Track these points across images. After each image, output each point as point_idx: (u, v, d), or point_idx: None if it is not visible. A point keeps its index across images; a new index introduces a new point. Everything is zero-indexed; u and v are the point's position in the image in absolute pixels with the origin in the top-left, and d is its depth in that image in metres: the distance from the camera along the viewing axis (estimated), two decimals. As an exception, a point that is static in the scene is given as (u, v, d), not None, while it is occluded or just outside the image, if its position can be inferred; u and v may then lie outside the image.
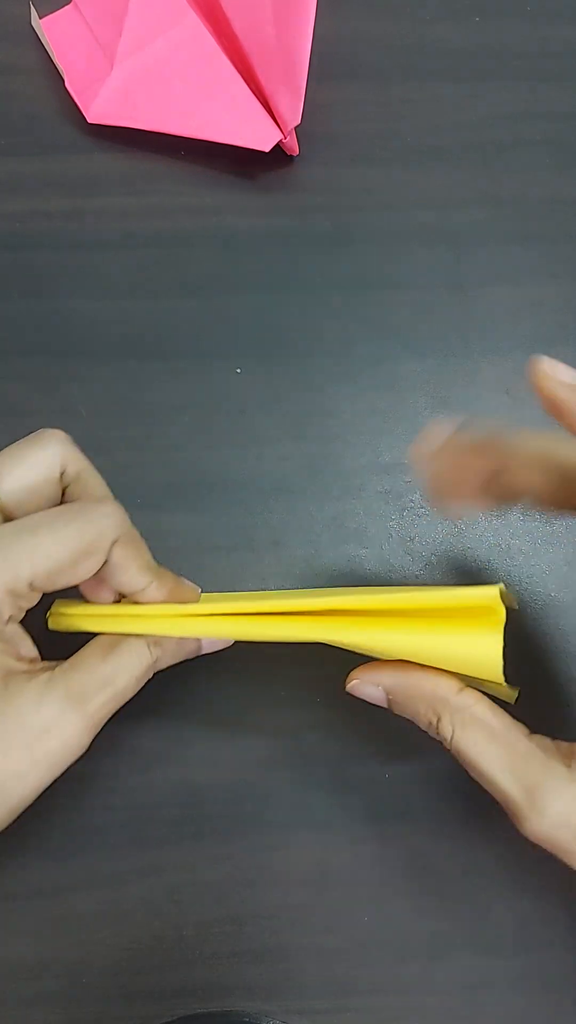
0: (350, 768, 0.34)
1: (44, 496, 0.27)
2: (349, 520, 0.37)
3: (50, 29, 0.42)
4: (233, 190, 0.41)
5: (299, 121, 0.40)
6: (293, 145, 0.41)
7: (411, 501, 0.37)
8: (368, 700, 0.27)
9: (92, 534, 0.25)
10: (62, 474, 0.28)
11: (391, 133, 0.42)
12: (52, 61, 0.42)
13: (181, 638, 0.28)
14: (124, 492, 0.37)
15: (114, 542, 0.26)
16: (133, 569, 0.27)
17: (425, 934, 0.32)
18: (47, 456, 0.27)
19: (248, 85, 0.40)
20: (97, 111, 0.41)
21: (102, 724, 0.26)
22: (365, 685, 0.27)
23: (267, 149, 0.40)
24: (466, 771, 0.26)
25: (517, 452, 0.27)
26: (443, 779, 0.33)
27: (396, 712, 0.27)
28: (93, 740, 0.26)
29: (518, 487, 0.27)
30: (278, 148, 0.41)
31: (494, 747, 0.25)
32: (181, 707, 0.34)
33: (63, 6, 0.43)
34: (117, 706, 0.26)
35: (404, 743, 0.34)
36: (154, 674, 0.28)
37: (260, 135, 0.40)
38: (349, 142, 0.42)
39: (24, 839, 0.33)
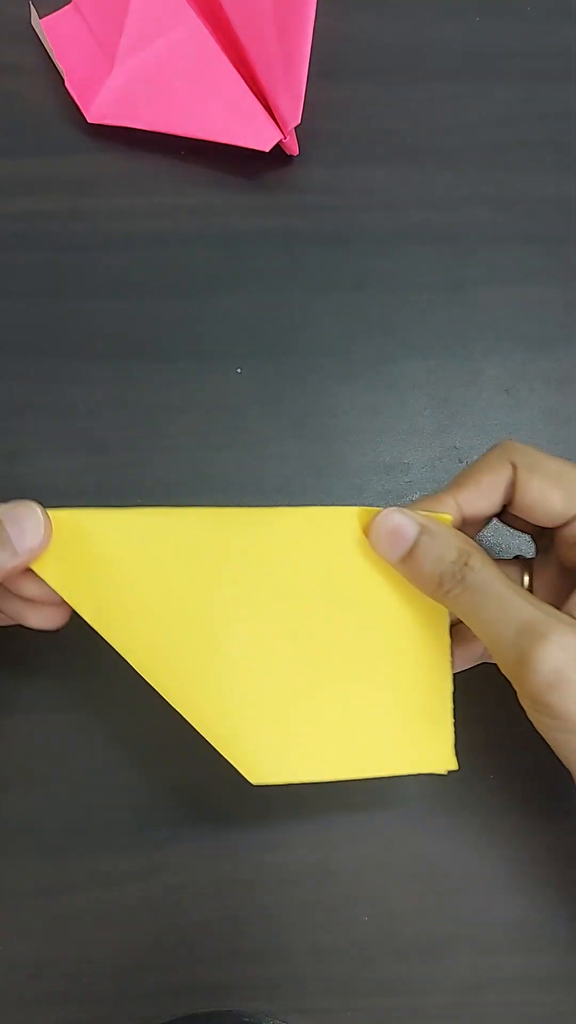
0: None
1: None
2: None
3: (50, 29, 0.42)
4: (233, 190, 0.41)
5: (299, 121, 0.40)
6: (293, 145, 0.41)
7: (411, 501, 0.37)
8: (390, 545, 0.28)
9: None
10: None
11: (391, 133, 0.42)
12: (52, 61, 0.42)
13: None
14: (124, 492, 0.37)
15: None
16: None
17: (425, 934, 0.33)
18: None
19: (248, 85, 0.40)
20: (97, 111, 0.41)
21: None
22: (396, 515, 0.27)
23: (267, 149, 0.40)
24: (469, 621, 0.27)
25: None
26: (443, 779, 0.33)
27: (412, 562, 0.27)
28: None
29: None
30: (278, 148, 0.41)
31: (512, 591, 0.25)
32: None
33: (63, 6, 0.43)
34: None
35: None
36: None
37: (260, 135, 0.40)
38: (349, 142, 0.42)
39: (24, 839, 0.33)
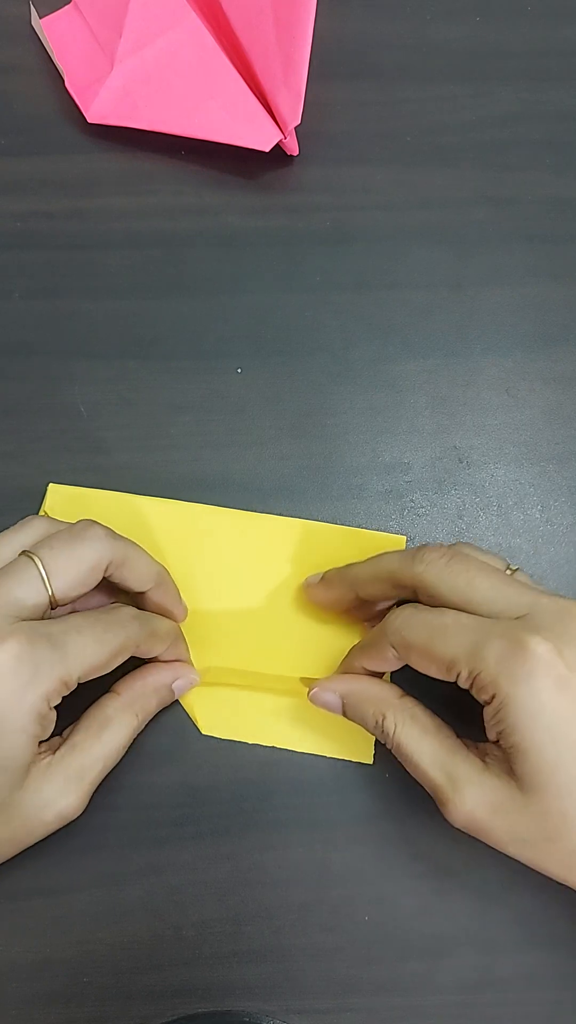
0: (350, 768, 0.34)
1: (88, 585, 0.30)
2: (349, 520, 0.37)
3: (50, 29, 0.42)
4: (233, 190, 0.41)
5: (299, 121, 0.40)
6: (293, 145, 0.41)
7: (411, 501, 0.37)
8: (325, 708, 0.32)
9: (124, 641, 0.30)
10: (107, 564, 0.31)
11: (391, 133, 0.42)
12: (52, 61, 0.42)
13: (156, 694, 0.33)
14: (124, 492, 0.37)
15: (138, 642, 0.31)
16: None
17: (425, 934, 0.33)
18: (96, 556, 0.30)
19: (248, 85, 0.40)
20: (97, 111, 0.41)
21: (96, 786, 0.30)
22: (324, 693, 0.32)
23: (267, 149, 0.40)
24: (401, 763, 0.29)
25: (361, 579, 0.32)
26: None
27: (348, 716, 0.31)
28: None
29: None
30: (278, 148, 0.41)
31: (427, 741, 0.29)
32: (181, 707, 0.34)
33: (63, 6, 0.43)
34: (108, 770, 0.31)
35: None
36: None
37: (260, 135, 0.40)
38: (349, 142, 0.42)
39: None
